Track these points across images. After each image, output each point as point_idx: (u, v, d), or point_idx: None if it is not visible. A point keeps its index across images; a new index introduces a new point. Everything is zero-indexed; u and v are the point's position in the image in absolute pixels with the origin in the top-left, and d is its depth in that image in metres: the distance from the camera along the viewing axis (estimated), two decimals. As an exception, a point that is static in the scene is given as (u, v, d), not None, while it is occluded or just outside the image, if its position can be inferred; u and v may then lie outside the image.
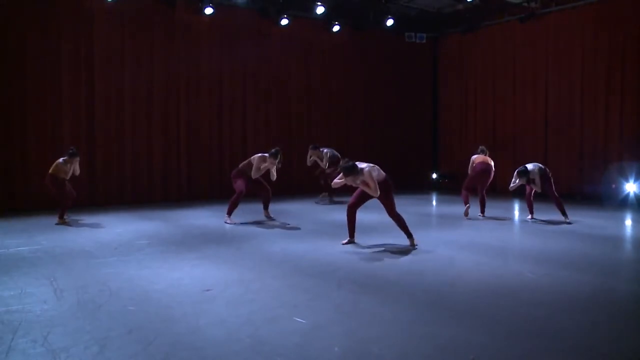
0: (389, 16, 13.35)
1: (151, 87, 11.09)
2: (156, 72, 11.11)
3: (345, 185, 6.33)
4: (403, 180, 12.40)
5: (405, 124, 14.67)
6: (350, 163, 6.15)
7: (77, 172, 8.38)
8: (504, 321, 3.88)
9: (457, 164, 14.09)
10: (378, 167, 6.36)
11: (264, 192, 8.58)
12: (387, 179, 6.38)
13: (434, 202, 11.98)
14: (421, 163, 14.86)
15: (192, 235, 7.31)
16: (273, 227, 8.04)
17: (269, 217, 8.65)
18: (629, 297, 4.68)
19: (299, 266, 5.54)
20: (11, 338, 3.49)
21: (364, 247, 6.51)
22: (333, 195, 11.31)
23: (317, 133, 13.10)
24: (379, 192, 6.17)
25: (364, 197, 6.53)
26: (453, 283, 4.95)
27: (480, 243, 6.82)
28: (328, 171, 10.90)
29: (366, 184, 6.18)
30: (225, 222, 8.27)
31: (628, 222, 8.88)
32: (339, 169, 6.25)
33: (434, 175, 14.81)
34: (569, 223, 8.27)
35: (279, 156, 8.19)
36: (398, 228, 6.55)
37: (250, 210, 9.18)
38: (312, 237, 7.24)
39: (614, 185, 10.97)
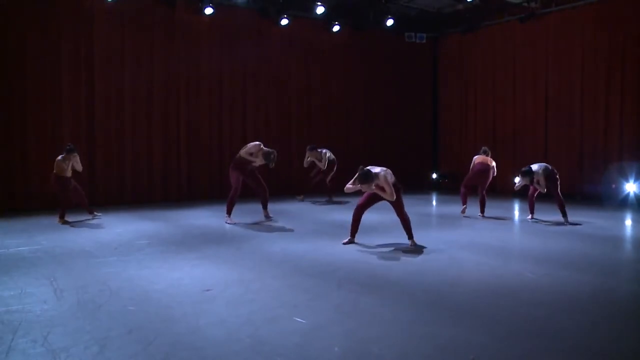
0: (389, 16, 13.35)
1: (151, 87, 11.09)
2: (156, 72, 11.10)
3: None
4: (403, 180, 12.15)
5: (405, 124, 14.67)
6: (366, 170, 6.19)
7: (79, 168, 8.38)
8: (504, 321, 3.88)
9: (457, 164, 14.10)
10: (390, 171, 6.41)
11: (262, 191, 8.56)
12: (397, 182, 6.45)
13: (434, 202, 11.98)
14: (421, 163, 14.85)
15: (192, 235, 7.31)
16: (273, 227, 8.04)
17: (268, 217, 8.64)
18: (629, 297, 4.68)
19: (299, 266, 5.54)
20: (11, 338, 3.49)
21: (364, 247, 6.51)
22: (332, 195, 11.32)
23: (317, 133, 13.09)
24: (395, 196, 6.23)
25: (374, 199, 6.57)
26: (453, 283, 4.95)
27: (480, 243, 6.82)
28: (325, 171, 10.94)
29: (381, 189, 6.23)
30: (226, 222, 8.27)
31: (628, 222, 8.88)
32: (356, 179, 6.28)
33: (434, 175, 14.81)
34: (569, 224, 8.27)
35: (270, 159, 8.10)
36: (400, 227, 6.62)
37: (250, 211, 9.18)
38: (312, 237, 7.24)
39: (614, 185, 10.97)
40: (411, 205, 10.27)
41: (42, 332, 3.58)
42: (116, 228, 7.83)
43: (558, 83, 12.28)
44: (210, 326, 3.73)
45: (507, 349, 3.38)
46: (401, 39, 14.14)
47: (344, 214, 8.98)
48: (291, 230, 7.73)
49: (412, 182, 13.87)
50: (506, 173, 11.93)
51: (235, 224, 8.20)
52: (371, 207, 6.78)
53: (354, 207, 6.81)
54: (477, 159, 9.15)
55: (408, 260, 5.92)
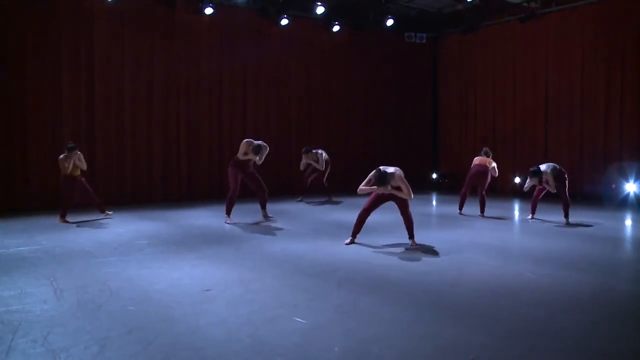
0: (389, 16, 13.34)
1: (151, 87, 11.09)
2: (156, 72, 11.10)
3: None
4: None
5: (405, 124, 14.67)
6: (383, 172, 6.17)
7: (84, 166, 8.36)
8: (504, 321, 3.88)
9: (457, 164, 14.09)
10: (400, 170, 6.39)
11: (261, 191, 8.54)
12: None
13: (434, 202, 11.97)
14: (421, 163, 14.83)
15: (192, 235, 7.31)
16: (273, 227, 8.04)
17: (267, 217, 8.64)
18: (629, 297, 4.68)
19: (299, 266, 5.54)
20: (11, 338, 3.49)
21: (364, 247, 6.51)
22: (332, 195, 11.31)
23: (317, 133, 13.10)
24: (412, 195, 6.22)
25: (380, 201, 6.58)
26: (453, 283, 4.95)
27: (480, 243, 6.83)
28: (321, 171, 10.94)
29: (397, 189, 6.23)
30: (226, 223, 8.27)
31: (628, 222, 8.88)
32: (371, 180, 6.31)
33: (434, 175, 14.81)
34: (570, 224, 8.27)
35: (260, 153, 8.08)
36: (400, 227, 6.65)
37: (250, 211, 9.18)
38: (312, 237, 7.24)
39: (614, 185, 10.97)
40: (411, 206, 10.26)
41: (42, 332, 3.58)
42: (116, 228, 7.83)
43: (558, 83, 12.27)
44: (210, 326, 3.73)
45: (507, 349, 3.39)
46: (401, 39, 14.14)
47: (344, 214, 8.99)
48: (291, 230, 7.73)
49: (412, 182, 13.79)
50: (506, 173, 11.94)
51: (235, 224, 8.20)
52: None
53: (354, 207, 6.82)
54: (476, 160, 9.17)
55: (408, 260, 5.92)
